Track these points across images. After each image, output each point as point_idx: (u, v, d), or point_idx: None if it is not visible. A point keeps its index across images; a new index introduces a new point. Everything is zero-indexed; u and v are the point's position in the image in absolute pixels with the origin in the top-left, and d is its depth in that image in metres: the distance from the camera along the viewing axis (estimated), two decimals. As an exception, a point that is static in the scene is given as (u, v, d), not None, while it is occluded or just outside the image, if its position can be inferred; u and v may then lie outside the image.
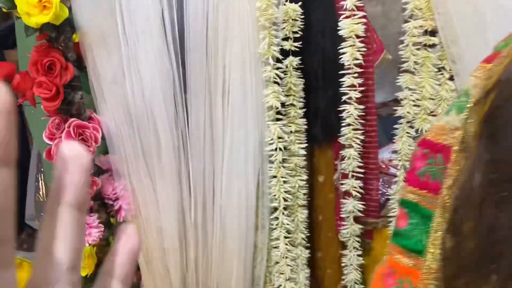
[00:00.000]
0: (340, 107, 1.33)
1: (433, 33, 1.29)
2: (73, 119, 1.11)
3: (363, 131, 1.36)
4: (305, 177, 1.37)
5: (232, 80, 1.17)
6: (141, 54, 1.13)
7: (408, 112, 1.35)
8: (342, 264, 1.52)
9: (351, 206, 1.43)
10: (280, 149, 1.27)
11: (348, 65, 1.28)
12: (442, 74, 1.33)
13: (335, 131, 1.38)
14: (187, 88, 1.20)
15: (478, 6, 1.22)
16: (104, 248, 1.28)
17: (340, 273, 1.57)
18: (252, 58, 1.17)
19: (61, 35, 1.07)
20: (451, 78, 1.33)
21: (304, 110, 1.31)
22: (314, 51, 1.31)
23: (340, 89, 1.32)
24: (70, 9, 1.06)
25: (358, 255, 1.49)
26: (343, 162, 1.40)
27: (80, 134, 1.11)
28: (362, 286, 1.52)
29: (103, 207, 1.25)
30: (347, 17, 1.25)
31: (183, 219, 1.25)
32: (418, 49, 1.30)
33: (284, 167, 1.31)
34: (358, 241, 1.47)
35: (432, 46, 1.30)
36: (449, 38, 1.26)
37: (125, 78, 1.14)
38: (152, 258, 1.27)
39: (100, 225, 1.18)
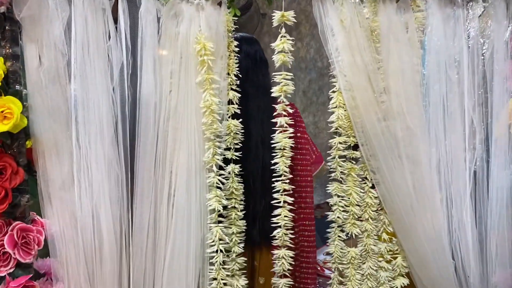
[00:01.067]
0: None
1: (355, 147, 1.50)
2: (17, 222, 1.13)
3: (301, 232, 1.47)
4: (244, 280, 1.43)
5: (178, 185, 1.27)
6: (93, 161, 1.21)
7: (338, 217, 1.50)
8: None
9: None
10: (221, 250, 1.34)
11: (280, 172, 1.43)
12: (365, 183, 1.52)
13: (273, 235, 1.48)
14: (134, 191, 1.27)
15: (390, 127, 1.45)
16: None
17: None
18: (198, 165, 1.29)
19: (15, 142, 1.13)
20: (373, 187, 1.52)
21: (244, 212, 1.42)
22: (253, 159, 1.47)
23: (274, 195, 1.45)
24: (28, 118, 1.15)
25: None
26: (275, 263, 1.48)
27: (23, 238, 1.12)
28: None
29: (37, 313, 1.21)
30: (280, 132, 1.43)
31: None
32: (344, 161, 1.49)
33: (224, 269, 1.37)
34: None
35: (355, 159, 1.50)
36: (369, 153, 1.46)
37: (74, 183, 1.20)
38: None
39: (33, 332, 1.14)
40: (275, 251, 1.44)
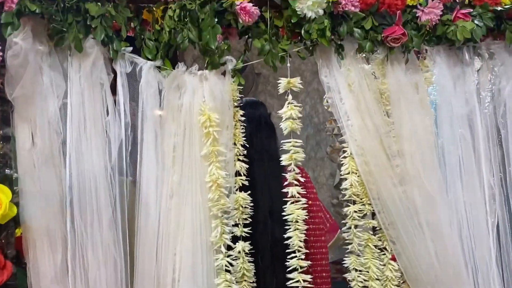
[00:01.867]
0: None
1: (372, 216, 1.40)
2: (4, 323, 1.00)
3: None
4: None
5: (183, 269, 1.15)
6: (89, 246, 1.10)
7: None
8: None
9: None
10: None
11: (293, 247, 1.32)
12: (384, 254, 1.41)
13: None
14: (134, 278, 1.16)
15: (407, 192, 1.37)
16: None
17: None
18: (204, 246, 1.18)
19: (3, 232, 1.03)
20: (393, 258, 1.41)
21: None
22: (261, 234, 1.36)
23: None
24: (17, 204, 1.05)
25: None
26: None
27: None
28: None
29: None
30: (291, 203, 1.34)
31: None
32: (360, 231, 1.39)
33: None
34: None
35: (373, 229, 1.40)
36: (387, 221, 1.37)
37: (68, 273, 1.09)
38: None
39: None
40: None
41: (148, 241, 1.17)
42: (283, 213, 1.32)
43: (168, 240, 1.17)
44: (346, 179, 1.38)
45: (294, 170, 1.32)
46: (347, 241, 1.38)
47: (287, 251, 1.32)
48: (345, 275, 1.39)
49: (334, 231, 1.51)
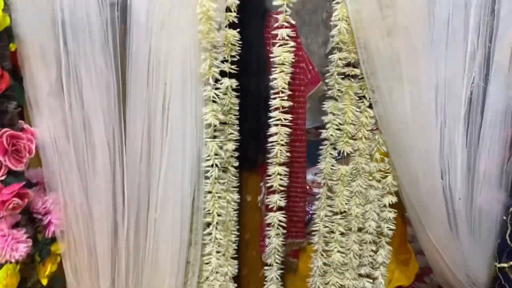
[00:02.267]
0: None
1: (355, 65, 1.45)
2: (6, 129, 1.09)
3: (292, 153, 1.47)
4: (237, 195, 1.45)
5: (173, 97, 1.22)
6: (82, 67, 1.15)
7: (331, 135, 1.50)
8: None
9: (274, 219, 1.52)
10: (217, 165, 1.34)
11: (278, 89, 1.39)
12: (362, 102, 1.50)
13: (265, 152, 1.48)
14: (127, 103, 1.23)
15: (394, 44, 1.40)
16: (27, 266, 1.24)
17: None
18: (193, 77, 1.24)
19: (-3, 43, 1.05)
20: (370, 106, 1.50)
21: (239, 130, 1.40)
22: (250, 75, 1.41)
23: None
24: (10, 17, 1.06)
25: (280, 273, 1.58)
26: (269, 179, 1.50)
27: (14, 145, 1.08)
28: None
29: (30, 222, 1.21)
30: (279, 46, 1.37)
31: (115, 232, 1.26)
32: (342, 78, 1.45)
33: (219, 183, 1.38)
34: (279, 258, 1.56)
35: (354, 76, 1.47)
36: (369, 71, 1.43)
37: (63, 90, 1.15)
38: (81, 271, 1.25)
39: (28, 239, 1.15)
40: (271, 167, 1.45)
41: (139, 69, 1.21)
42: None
43: (158, 69, 1.22)
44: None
45: (286, 11, 1.32)
46: (329, 87, 1.46)
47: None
48: (322, 117, 1.49)
49: (315, 82, 1.55)
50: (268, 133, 1.40)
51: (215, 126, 1.29)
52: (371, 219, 1.58)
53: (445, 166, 1.57)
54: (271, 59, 1.36)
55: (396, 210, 1.60)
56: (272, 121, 1.40)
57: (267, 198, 1.54)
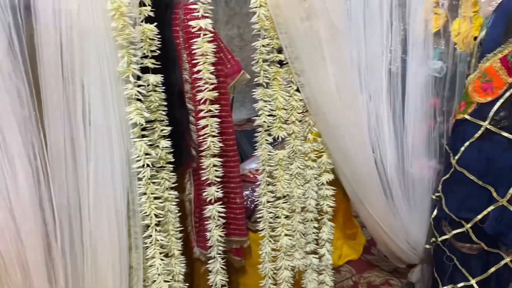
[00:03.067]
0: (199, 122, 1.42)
1: (280, 50, 1.46)
2: None
3: (223, 144, 1.46)
4: (174, 192, 1.41)
5: (92, 100, 1.16)
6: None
7: (264, 121, 1.50)
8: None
9: (213, 211, 1.51)
10: (148, 165, 1.29)
11: (203, 80, 1.37)
12: (290, 86, 1.51)
13: (188, 149, 1.46)
14: (43, 110, 1.15)
15: (314, 27, 1.42)
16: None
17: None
18: (112, 76, 1.18)
19: None
20: (298, 90, 1.51)
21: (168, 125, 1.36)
22: (172, 67, 1.37)
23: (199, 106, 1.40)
24: None
25: (222, 264, 1.58)
26: (203, 172, 1.48)
27: None
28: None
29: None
30: (198, 36, 1.34)
31: (49, 247, 1.19)
32: (268, 65, 1.45)
33: (153, 183, 1.34)
34: (221, 249, 1.56)
35: (280, 62, 1.47)
36: (293, 55, 1.43)
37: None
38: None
39: None
40: (204, 160, 1.43)
41: (52, 73, 1.14)
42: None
43: (73, 71, 1.15)
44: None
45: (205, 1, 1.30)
46: (256, 74, 1.45)
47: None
48: (254, 104, 1.49)
49: (236, 72, 1.54)
50: (191, 128, 1.37)
51: (142, 125, 1.24)
52: (311, 197, 1.60)
53: (375, 140, 1.63)
54: (191, 51, 1.33)
55: (335, 188, 1.64)
56: (203, 114, 1.38)
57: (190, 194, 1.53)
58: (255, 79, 1.45)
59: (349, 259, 2.21)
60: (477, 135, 1.50)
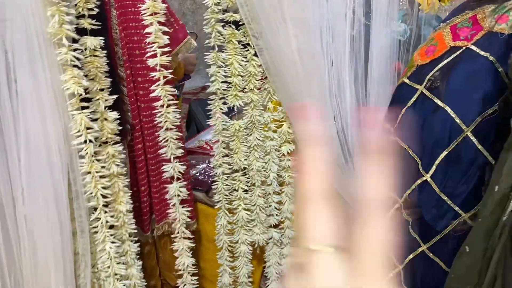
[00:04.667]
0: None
1: (235, 10, 1.32)
2: None
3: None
4: (123, 167, 1.28)
5: (18, 67, 0.99)
6: None
7: (218, 89, 1.37)
8: (174, 248, 1.50)
9: (174, 189, 1.41)
10: (91, 140, 1.15)
11: (152, 44, 1.22)
12: (247, 50, 1.38)
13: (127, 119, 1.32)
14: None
15: (272, -17, 1.29)
16: None
17: (174, 258, 1.55)
18: (41, 39, 1.00)
19: None
20: (256, 54, 1.39)
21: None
22: (108, 30, 1.21)
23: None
24: None
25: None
26: (161, 147, 1.35)
27: None
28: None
29: None
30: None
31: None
32: (222, 26, 1.32)
33: (98, 160, 1.19)
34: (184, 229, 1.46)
35: (235, 23, 1.33)
36: (249, 15, 1.30)
37: None
38: None
39: None
40: (161, 133, 1.31)
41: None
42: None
43: None
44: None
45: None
46: (209, 36, 1.32)
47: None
48: (207, 69, 1.36)
49: (181, 37, 1.39)
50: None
51: (81, 95, 1.08)
52: (271, 170, 1.51)
53: (336, 107, 1.55)
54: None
55: (296, 158, 1.56)
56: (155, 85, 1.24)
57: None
58: (207, 41, 1.31)
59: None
60: (413, 99, 1.40)
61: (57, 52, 1.03)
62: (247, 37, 1.35)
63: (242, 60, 1.36)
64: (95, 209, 1.20)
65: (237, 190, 1.50)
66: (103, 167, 1.20)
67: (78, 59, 1.06)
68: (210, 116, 1.43)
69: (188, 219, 1.45)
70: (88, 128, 1.12)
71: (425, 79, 1.35)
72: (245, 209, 1.51)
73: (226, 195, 1.50)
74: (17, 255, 1.09)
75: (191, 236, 1.49)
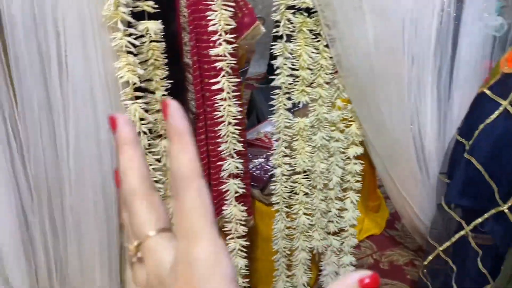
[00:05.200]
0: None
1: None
2: None
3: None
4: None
5: (70, 51, 0.90)
6: None
7: (283, 83, 1.23)
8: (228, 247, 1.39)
9: (232, 186, 1.29)
10: (145, 132, 1.05)
11: (216, 31, 1.10)
12: (319, 41, 1.22)
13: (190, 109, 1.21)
14: (11, 64, 0.90)
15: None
16: None
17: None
18: (95, 22, 0.91)
19: None
20: (327, 46, 1.22)
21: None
22: (170, 12, 1.10)
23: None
24: None
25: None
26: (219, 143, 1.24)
27: None
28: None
29: None
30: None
31: (26, 223, 0.98)
32: (293, 13, 1.16)
33: (151, 152, 1.10)
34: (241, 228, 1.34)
35: (307, 10, 1.17)
36: (323, 2, 1.13)
37: None
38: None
39: None
40: (222, 129, 1.19)
41: (17, 18, 0.87)
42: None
43: (44, 17, 0.87)
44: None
45: None
46: (277, 23, 1.17)
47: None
48: (273, 61, 1.21)
49: (250, 23, 1.24)
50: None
51: (135, 83, 0.99)
52: (334, 174, 1.35)
53: (414, 110, 1.34)
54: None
55: (363, 162, 1.38)
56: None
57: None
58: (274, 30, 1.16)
59: (370, 233, 1.99)
60: (494, 115, 1.15)
61: (111, 37, 0.93)
62: (319, 26, 1.19)
63: (312, 52, 1.20)
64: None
65: (297, 194, 1.36)
66: (157, 160, 1.11)
67: (134, 45, 0.96)
68: (273, 106, 1.29)
69: (243, 216, 1.33)
70: (141, 119, 1.03)
71: (511, 93, 1.11)
72: (305, 214, 1.37)
73: (285, 198, 1.36)
74: (63, 248, 1.03)
75: (245, 234, 1.37)
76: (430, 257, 1.40)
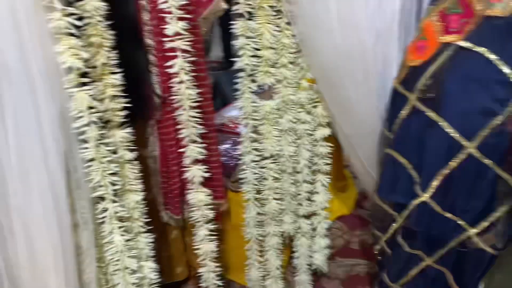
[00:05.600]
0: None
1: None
2: None
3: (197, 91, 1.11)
4: (132, 154, 1.07)
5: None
6: None
7: (247, 64, 1.14)
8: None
9: (196, 173, 1.20)
10: (95, 122, 0.95)
11: (168, 9, 1.00)
12: (280, 18, 1.14)
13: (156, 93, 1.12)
14: None
15: None
16: None
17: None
18: (26, 0, 0.79)
19: None
20: (289, 23, 1.14)
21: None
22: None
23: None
24: None
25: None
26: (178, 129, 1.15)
27: None
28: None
29: None
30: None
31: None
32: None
33: (104, 144, 1.00)
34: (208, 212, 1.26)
35: (266, -16, 1.09)
36: (283, -25, 1.05)
37: None
38: None
39: None
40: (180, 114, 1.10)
41: None
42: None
43: None
44: None
45: None
46: (236, 1, 1.08)
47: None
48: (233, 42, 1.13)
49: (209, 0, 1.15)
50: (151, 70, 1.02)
51: (80, 69, 0.87)
52: (302, 157, 1.29)
53: (380, 87, 1.28)
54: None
55: (331, 144, 1.33)
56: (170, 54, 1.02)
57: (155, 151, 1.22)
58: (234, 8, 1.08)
59: (339, 214, 1.96)
60: (405, 111, 1.11)
61: (48, 17, 0.82)
62: (280, 2, 1.10)
63: (274, 30, 1.12)
64: (102, 198, 1.02)
65: (266, 179, 1.29)
66: (113, 152, 1.01)
67: (75, 26, 0.85)
68: (237, 90, 1.20)
69: (211, 200, 1.24)
70: (90, 108, 0.92)
71: (417, 86, 1.08)
72: (275, 199, 1.31)
73: (256, 185, 1.29)
74: (13, 253, 0.93)
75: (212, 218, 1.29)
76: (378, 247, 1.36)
